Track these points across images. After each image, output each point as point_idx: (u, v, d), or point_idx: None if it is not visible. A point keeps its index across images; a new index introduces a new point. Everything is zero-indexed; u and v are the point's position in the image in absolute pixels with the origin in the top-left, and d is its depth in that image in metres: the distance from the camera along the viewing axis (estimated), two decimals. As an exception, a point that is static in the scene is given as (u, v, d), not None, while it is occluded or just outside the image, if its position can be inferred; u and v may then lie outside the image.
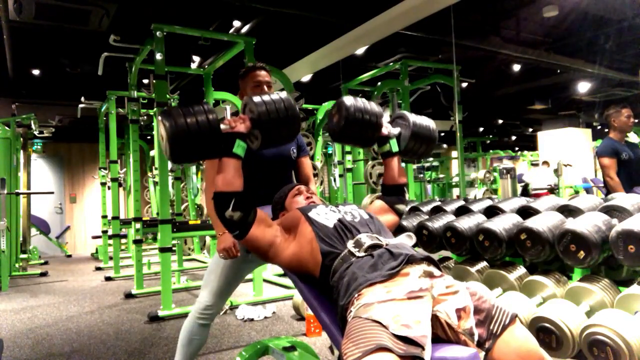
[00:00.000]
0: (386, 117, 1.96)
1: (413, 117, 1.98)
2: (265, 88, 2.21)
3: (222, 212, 1.55)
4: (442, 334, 1.28)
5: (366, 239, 1.51)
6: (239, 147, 1.61)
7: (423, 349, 1.14)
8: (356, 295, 1.33)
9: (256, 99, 1.66)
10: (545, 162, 9.92)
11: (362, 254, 1.46)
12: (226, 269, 2.14)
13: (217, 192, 1.57)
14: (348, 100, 1.83)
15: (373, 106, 1.88)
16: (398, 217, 1.93)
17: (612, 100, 9.34)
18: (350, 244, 1.50)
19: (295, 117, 1.67)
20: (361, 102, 1.85)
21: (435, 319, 1.28)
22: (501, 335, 1.23)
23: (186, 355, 2.22)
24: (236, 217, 1.55)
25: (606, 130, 3.79)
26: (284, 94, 1.71)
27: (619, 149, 3.53)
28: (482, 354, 1.24)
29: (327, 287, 1.51)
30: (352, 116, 1.79)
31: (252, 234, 1.59)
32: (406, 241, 1.56)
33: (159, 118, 1.58)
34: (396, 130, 1.95)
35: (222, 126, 1.59)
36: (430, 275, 1.37)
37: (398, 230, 2.51)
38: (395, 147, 1.91)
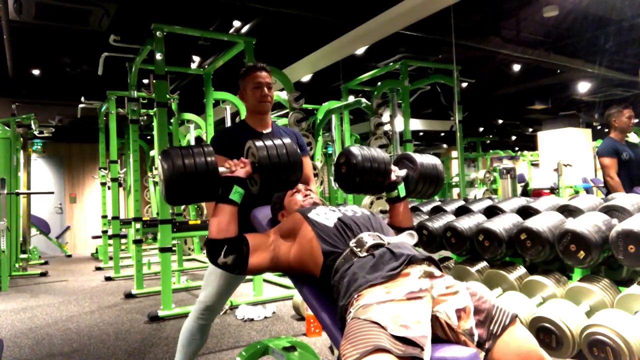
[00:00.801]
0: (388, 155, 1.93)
1: (419, 158, 1.96)
2: (266, 90, 2.19)
3: (215, 259, 1.56)
4: (442, 334, 1.28)
5: (368, 238, 1.50)
6: (236, 194, 1.59)
7: (422, 349, 1.14)
8: (356, 296, 1.33)
9: (258, 143, 1.64)
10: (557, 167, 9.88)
11: (364, 253, 1.45)
12: None
13: (209, 239, 1.57)
14: (355, 150, 1.81)
15: (380, 153, 1.86)
16: None
17: (612, 100, 9.34)
18: (352, 243, 1.50)
19: (296, 163, 1.65)
20: (367, 150, 1.83)
21: (435, 319, 1.27)
22: (501, 335, 1.23)
23: (186, 355, 2.22)
24: (230, 262, 1.56)
25: (606, 130, 3.80)
26: (287, 140, 1.69)
27: (620, 149, 3.53)
28: (482, 354, 1.23)
29: (328, 287, 1.50)
30: (360, 166, 1.77)
31: (251, 266, 1.59)
32: (407, 240, 1.56)
33: (159, 158, 1.58)
34: (403, 173, 1.92)
35: (220, 169, 1.58)
36: (430, 275, 1.37)
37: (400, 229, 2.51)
38: (403, 192, 1.89)
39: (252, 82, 2.19)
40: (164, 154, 1.54)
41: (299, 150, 1.71)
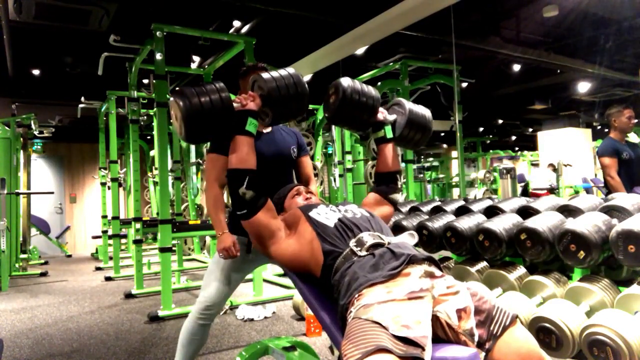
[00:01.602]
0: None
1: (409, 105, 1.97)
2: None
3: (236, 189, 1.58)
4: (443, 334, 1.28)
5: (368, 237, 1.51)
6: (251, 125, 1.64)
7: (423, 349, 1.14)
8: (356, 295, 1.33)
9: (265, 75, 1.67)
10: (551, 165, 9.91)
11: (364, 253, 1.46)
12: (226, 269, 2.14)
13: (231, 169, 1.60)
14: (345, 81, 1.82)
15: (370, 89, 1.87)
16: (393, 208, 1.92)
17: (612, 100, 9.34)
18: (352, 243, 1.50)
19: (304, 92, 1.69)
20: (359, 84, 1.84)
21: (435, 319, 1.28)
22: (501, 336, 1.23)
23: (186, 355, 2.22)
24: (248, 196, 1.58)
25: (606, 130, 3.81)
26: (292, 70, 1.72)
27: (620, 148, 3.53)
28: (482, 354, 1.24)
29: (328, 286, 1.51)
30: (348, 97, 1.78)
31: (258, 218, 1.60)
32: (408, 240, 1.56)
33: (172, 98, 1.60)
34: (392, 117, 1.94)
35: (234, 104, 1.62)
36: (431, 275, 1.37)
37: (398, 229, 2.51)
38: (389, 134, 1.91)
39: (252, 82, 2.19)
40: (178, 93, 1.59)
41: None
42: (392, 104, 2.06)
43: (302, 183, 2.28)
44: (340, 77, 1.87)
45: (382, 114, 1.90)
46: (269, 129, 2.24)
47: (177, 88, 1.66)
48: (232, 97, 1.67)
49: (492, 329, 1.24)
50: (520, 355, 1.22)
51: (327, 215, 1.63)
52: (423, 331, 1.17)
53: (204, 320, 2.18)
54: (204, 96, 1.55)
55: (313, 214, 1.63)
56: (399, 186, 1.93)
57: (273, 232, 1.62)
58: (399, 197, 1.94)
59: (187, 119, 1.54)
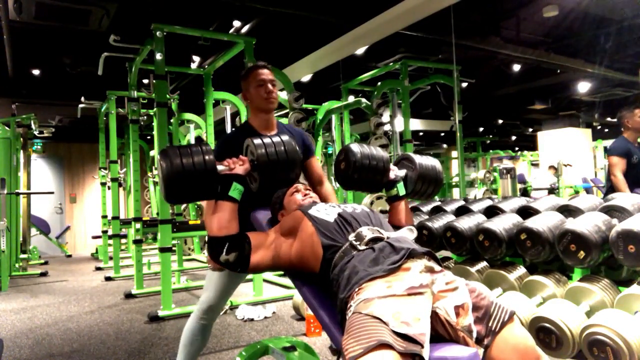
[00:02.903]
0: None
1: (419, 159, 1.98)
2: (270, 86, 2.13)
3: (217, 257, 1.56)
4: (442, 331, 1.29)
5: (367, 232, 1.51)
6: (235, 191, 1.60)
7: (422, 346, 1.14)
8: (356, 289, 1.33)
9: (256, 141, 1.65)
10: (552, 167, 9.91)
11: (364, 247, 1.46)
12: (226, 271, 2.14)
13: (211, 236, 1.58)
14: (354, 147, 1.83)
15: (379, 151, 1.88)
16: None
17: (612, 100, 9.34)
18: (351, 237, 1.51)
19: (295, 160, 1.67)
20: (367, 148, 1.85)
21: (434, 315, 1.29)
22: (500, 332, 1.24)
23: (188, 355, 2.23)
24: (232, 259, 1.57)
25: (606, 130, 3.80)
26: (285, 137, 1.70)
27: (632, 150, 3.52)
28: (480, 350, 1.24)
29: (327, 282, 1.51)
30: (359, 163, 1.79)
31: (253, 263, 1.59)
32: (407, 235, 1.57)
33: (158, 157, 1.58)
34: (402, 173, 1.95)
35: (219, 167, 1.59)
36: (431, 270, 1.38)
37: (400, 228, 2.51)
38: (402, 191, 1.91)
39: (254, 81, 2.15)
40: (162, 154, 1.56)
41: (298, 148, 1.72)
42: (400, 158, 2.07)
43: (315, 184, 2.27)
44: (349, 144, 1.88)
45: (393, 172, 1.90)
46: (274, 131, 2.21)
47: (163, 148, 1.64)
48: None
49: (491, 325, 1.25)
50: (518, 351, 1.23)
51: (326, 212, 1.63)
52: (422, 328, 1.18)
53: (205, 320, 2.21)
54: (187, 157, 1.53)
55: (312, 211, 1.64)
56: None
57: (271, 257, 1.62)
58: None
59: (167, 180, 1.52)
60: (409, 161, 2.00)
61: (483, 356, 1.25)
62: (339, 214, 1.61)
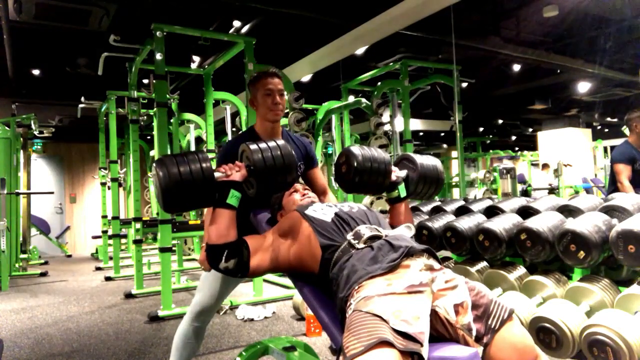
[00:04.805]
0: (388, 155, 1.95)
1: (419, 159, 1.97)
2: (277, 97, 2.09)
3: (217, 265, 1.55)
4: (441, 329, 1.29)
5: (365, 230, 1.51)
6: (233, 198, 1.59)
7: (422, 345, 1.14)
8: (356, 287, 1.33)
9: (252, 146, 1.64)
10: (545, 166, 9.93)
11: (362, 245, 1.46)
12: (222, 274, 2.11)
13: (210, 244, 1.57)
14: (355, 150, 1.81)
15: (380, 153, 1.86)
16: None
17: (612, 100, 9.34)
18: (349, 236, 1.51)
19: (291, 165, 1.66)
20: (368, 150, 1.83)
21: (434, 314, 1.29)
22: (499, 330, 1.24)
23: (181, 359, 2.19)
24: (231, 266, 1.56)
25: (606, 130, 3.79)
26: (281, 142, 1.69)
27: (636, 156, 3.50)
28: (480, 348, 1.25)
29: (326, 282, 1.51)
30: (360, 165, 1.77)
31: (253, 268, 1.59)
32: (405, 232, 1.57)
33: (153, 166, 1.58)
34: (403, 173, 1.93)
35: (216, 174, 1.58)
36: (430, 268, 1.38)
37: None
38: (403, 192, 1.90)
39: (262, 89, 2.10)
40: (158, 163, 1.54)
41: (293, 152, 1.71)
42: (400, 158, 2.05)
43: (318, 195, 2.26)
44: (350, 146, 1.85)
45: (394, 173, 1.89)
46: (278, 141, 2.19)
47: (160, 157, 1.63)
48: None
49: (490, 323, 1.25)
50: (517, 350, 1.23)
51: (323, 212, 1.63)
52: (421, 327, 1.18)
53: (199, 322, 2.16)
54: (183, 166, 1.51)
55: (309, 211, 1.63)
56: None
57: (270, 260, 1.61)
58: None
59: (165, 190, 1.50)
60: (409, 161, 1.99)
61: (482, 354, 1.25)
62: (336, 214, 1.61)
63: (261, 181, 1.63)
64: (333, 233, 1.54)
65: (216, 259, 1.55)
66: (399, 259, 1.37)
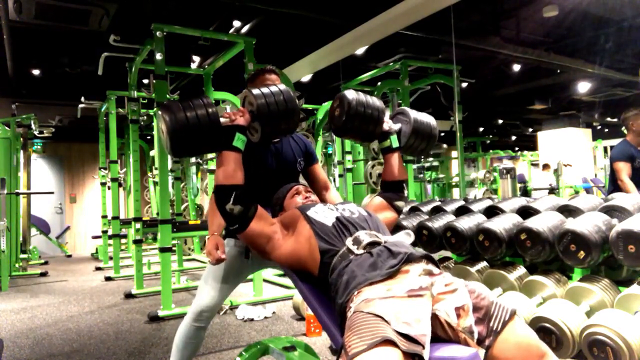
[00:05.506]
0: (387, 114, 1.97)
1: (414, 114, 1.98)
2: None
3: (223, 205, 1.57)
4: (442, 333, 1.29)
5: (365, 236, 1.51)
6: (239, 140, 1.61)
7: (423, 347, 1.14)
8: (355, 293, 1.33)
9: (255, 91, 1.66)
10: (546, 166, 9.92)
11: (361, 251, 1.46)
12: (224, 271, 2.10)
13: (217, 185, 1.58)
14: (350, 94, 1.82)
15: (375, 100, 1.87)
16: (397, 214, 1.93)
17: (612, 100, 9.34)
18: (349, 242, 1.50)
19: (294, 109, 1.67)
20: (363, 96, 1.84)
21: (435, 318, 1.28)
22: (501, 331, 1.23)
23: (182, 359, 2.19)
24: (236, 211, 1.57)
25: (606, 130, 3.80)
26: (283, 87, 1.70)
27: (635, 154, 3.52)
28: (482, 351, 1.24)
29: (326, 285, 1.51)
30: (353, 110, 1.78)
31: (251, 229, 1.60)
32: (405, 239, 1.57)
33: (159, 112, 1.59)
34: (397, 126, 1.95)
35: (221, 119, 1.60)
36: (429, 273, 1.37)
37: (397, 229, 2.51)
38: (395, 143, 1.91)
39: (261, 85, 2.12)
40: (164, 107, 1.57)
41: (296, 99, 1.72)
42: (396, 112, 2.06)
43: (320, 190, 2.27)
44: (344, 90, 1.87)
45: (387, 123, 1.91)
46: (277, 139, 2.19)
47: (164, 102, 1.65)
48: (226, 108, 1.67)
49: (492, 325, 1.24)
50: (520, 348, 1.22)
51: (325, 214, 1.63)
52: (423, 329, 1.18)
53: (200, 323, 2.15)
54: (190, 111, 1.53)
55: (311, 212, 1.64)
56: (405, 195, 1.95)
57: (269, 237, 1.62)
58: (404, 204, 1.96)
59: (173, 134, 1.52)
60: (404, 115, 2.01)
61: (485, 357, 1.24)
62: (337, 218, 1.60)
63: (265, 125, 1.65)
64: (333, 237, 1.53)
65: (224, 199, 1.57)
66: (398, 265, 1.37)
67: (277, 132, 1.71)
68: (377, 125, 1.86)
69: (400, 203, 1.93)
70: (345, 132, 1.90)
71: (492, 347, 1.23)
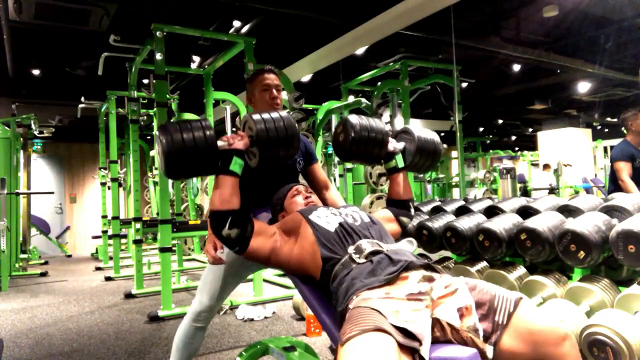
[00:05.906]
0: (388, 125, 1.97)
1: (417, 132, 1.99)
2: (274, 92, 2.14)
3: (219, 232, 1.54)
4: (445, 337, 1.27)
5: (367, 244, 1.50)
6: (236, 165, 1.59)
7: (421, 343, 1.14)
8: (354, 297, 1.33)
9: (255, 116, 1.64)
10: (546, 166, 9.92)
11: (363, 260, 1.45)
12: (224, 272, 2.10)
13: (213, 210, 1.56)
14: (353, 118, 1.82)
15: (378, 123, 1.88)
16: (401, 229, 1.92)
17: (612, 100, 9.34)
18: (351, 250, 1.49)
19: (294, 136, 1.66)
20: (366, 119, 1.84)
21: (436, 322, 1.27)
22: (508, 324, 1.21)
23: (182, 359, 2.18)
24: (234, 235, 1.55)
25: (606, 130, 3.81)
26: (284, 113, 1.69)
27: (635, 154, 3.53)
28: (490, 348, 1.21)
29: (327, 289, 1.51)
30: (357, 135, 1.78)
31: (252, 248, 1.58)
32: (407, 247, 1.55)
33: (157, 133, 1.58)
34: (401, 145, 1.95)
35: (219, 143, 1.58)
36: (429, 279, 1.36)
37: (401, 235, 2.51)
38: (401, 163, 1.92)
39: (260, 85, 2.15)
40: (162, 129, 1.55)
41: (296, 123, 1.71)
42: (399, 131, 2.07)
43: (320, 189, 2.26)
44: (347, 115, 1.87)
45: (392, 144, 1.91)
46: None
47: (163, 124, 1.63)
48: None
49: (497, 319, 1.22)
50: (534, 334, 1.18)
51: (327, 219, 1.61)
52: (421, 329, 1.18)
53: (200, 323, 2.15)
54: (187, 132, 1.52)
55: (313, 217, 1.62)
56: (412, 213, 1.95)
57: (270, 249, 1.61)
58: (410, 221, 1.96)
59: (168, 155, 1.51)
60: (407, 134, 2.01)
61: (494, 353, 1.21)
62: (340, 224, 1.59)
63: (263, 151, 1.64)
64: (335, 245, 1.52)
65: (220, 225, 1.54)
66: (396, 272, 1.36)
67: (276, 158, 1.70)
68: (382, 147, 1.87)
69: (405, 219, 1.93)
70: (351, 156, 1.90)
71: (499, 341, 1.20)
